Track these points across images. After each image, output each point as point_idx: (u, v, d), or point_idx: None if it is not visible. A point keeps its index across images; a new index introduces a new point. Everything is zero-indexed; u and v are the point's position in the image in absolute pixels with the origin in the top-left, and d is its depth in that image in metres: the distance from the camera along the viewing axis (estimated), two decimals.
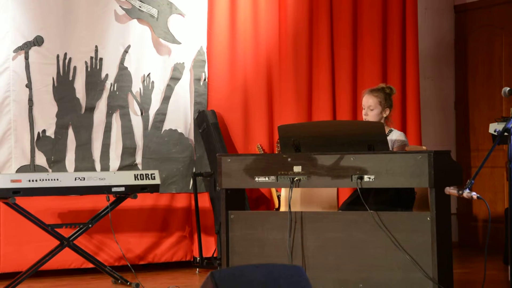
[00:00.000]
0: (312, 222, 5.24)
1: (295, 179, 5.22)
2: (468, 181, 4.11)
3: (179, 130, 7.27)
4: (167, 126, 7.22)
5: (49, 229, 6.14)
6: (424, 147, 7.11)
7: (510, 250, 4.44)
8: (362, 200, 5.03)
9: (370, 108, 5.65)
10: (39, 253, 6.30)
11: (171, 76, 7.24)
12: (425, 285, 4.92)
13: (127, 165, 7.04)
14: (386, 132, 5.65)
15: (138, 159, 7.11)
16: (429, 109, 8.46)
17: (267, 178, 5.33)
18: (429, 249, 4.92)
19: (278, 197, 7.13)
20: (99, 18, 6.96)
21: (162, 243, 7.20)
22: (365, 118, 5.67)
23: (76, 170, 6.83)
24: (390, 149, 5.59)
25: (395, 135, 5.65)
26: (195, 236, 7.19)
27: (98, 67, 6.97)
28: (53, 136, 6.83)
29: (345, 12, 7.69)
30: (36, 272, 6.21)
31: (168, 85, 7.23)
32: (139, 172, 6.32)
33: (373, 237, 5.07)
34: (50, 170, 6.76)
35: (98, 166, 6.95)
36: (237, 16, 7.43)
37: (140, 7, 7.10)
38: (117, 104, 7.04)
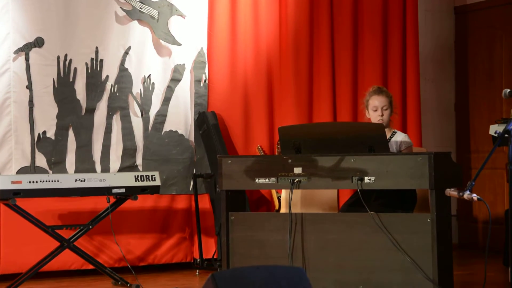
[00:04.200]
0: (313, 224, 5.24)
1: (295, 181, 5.22)
2: (469, 182, 4.11)
3: (180, 132, 7.27)
4: (167, 127, 7.22)
5: (49, 231, 6.15)
6: (424, 149, 7.11)
7: (510, 251, 4.44)
8: (363, 201, 5.03)
9: (384, 108, 5.60)
10: (39, 255, 6.29)
11: (171, 77, 7.24)
12: (425, 286, 4.92)
13: (128, 166, 7.04)
14: (390, 133, 5.64)
15: (139, 161, 7.10)
16: (429, 111, 8.46)
17: (267, 180, 5.33)
18: (430, 250, 4.93)
19: (279, 198, 7.13)
20: (99, 20, 6.96)
21: (162, 245, 7.19)
22: (379, 119, 5.60)
23: (76, 171, 6.83)
24: (397, 150, 5.58)
25: (399, 137, 5.63)
26: (195, 238, 7.18)
27: (98, 68, 6.97)
28: (53, 138, 6.82)
29: (346, 14, 7.69)
30: (36, 273, 6.21)
31: (168, 87, 7.23)
32: (139, 174, 6.32)
33: (373, 239, 5.07)
34: (50, 171, 6.75)
35: (98, 167, 6.95)
36: (238, 17, 7.43)
37: (140, 8, 7.10)
38: (118, 106, 7.04)
